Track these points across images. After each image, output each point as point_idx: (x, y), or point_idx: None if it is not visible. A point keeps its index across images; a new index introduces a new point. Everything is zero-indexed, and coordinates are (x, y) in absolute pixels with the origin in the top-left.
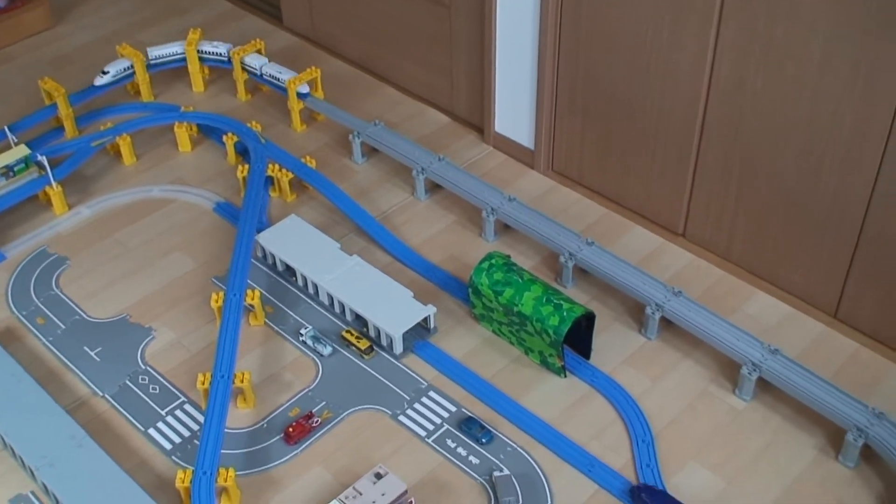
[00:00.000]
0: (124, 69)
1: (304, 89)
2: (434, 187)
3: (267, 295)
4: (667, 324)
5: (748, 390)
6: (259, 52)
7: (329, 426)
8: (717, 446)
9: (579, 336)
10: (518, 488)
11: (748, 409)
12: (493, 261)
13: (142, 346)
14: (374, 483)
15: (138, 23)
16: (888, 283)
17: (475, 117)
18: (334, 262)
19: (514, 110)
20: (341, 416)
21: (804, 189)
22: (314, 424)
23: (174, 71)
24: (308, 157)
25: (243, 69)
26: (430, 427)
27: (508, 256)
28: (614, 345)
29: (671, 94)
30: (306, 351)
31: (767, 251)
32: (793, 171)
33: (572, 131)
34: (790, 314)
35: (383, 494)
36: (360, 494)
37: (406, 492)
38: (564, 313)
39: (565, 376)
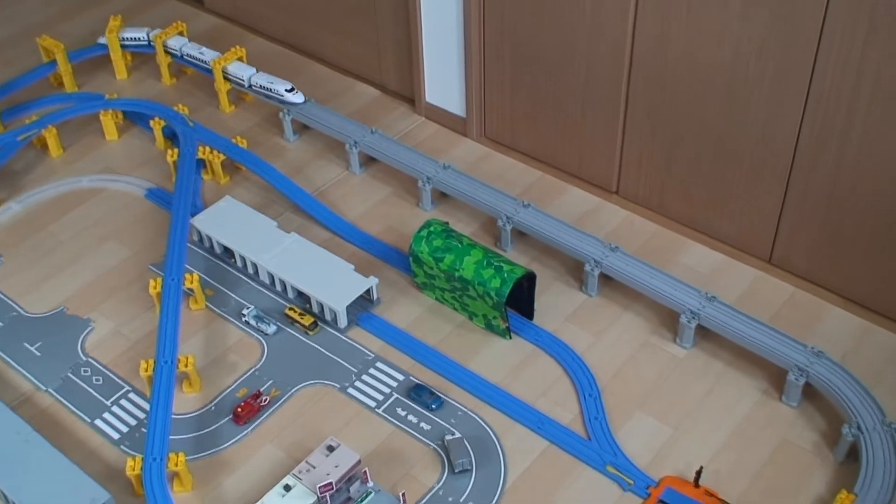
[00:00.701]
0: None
1: (299, 98)
2: (368, 160)
3: (206, 278)
4: (606, 280)
5: (688, 338)
6: (181, 34)
7: (278, 404)
8: (662, 395)
9: (521, 297)
10: (470, 450)
11: (690, 356)
12: (431, 228)
13: (81, 338)
14: (327, 456)
15: (58, 14)
16: (819, 224)
17: (405, 89)
18: (272, 240)
19: (444, 79)
20: (289, 392)
21: (732, 136)
22: (263, 403)
23: (97, 59)
24: (239, 138)
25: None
26: (380, 397)
27: (447, 223)
28: (556, 303)
29: (596, 52)
30: (250, 331)
31: (700, 202)
32: (720, 118)
33: (503, 97)
34: (725, 262)
35: (336, 466)
36: (314, 468)
37: (359, 462)
38: (505, 275)
39: (510, 338)
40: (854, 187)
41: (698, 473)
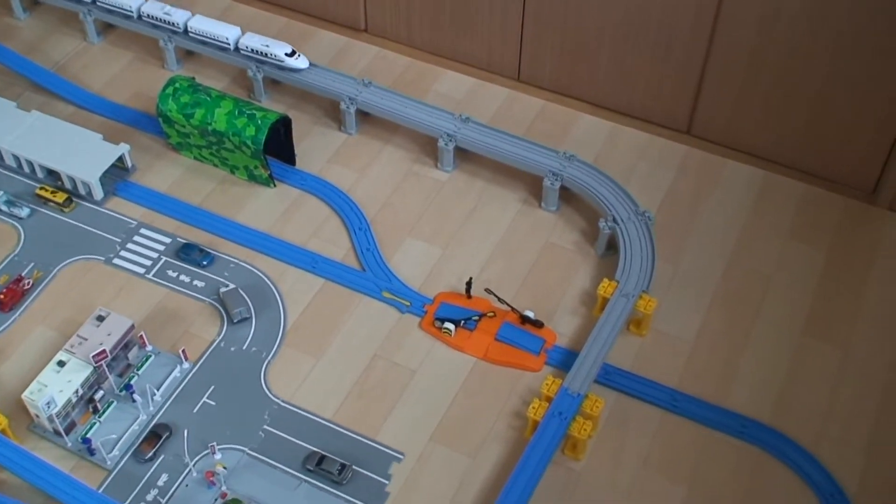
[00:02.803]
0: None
1: (303, 62)
2: (106, 28)
3: None
4: (364, 116)
5: (448, 161)
6: None
7: (42, 285)
8: (429, 219)
9: (280, 144)
10: (247, 298)
11: (452, 178)
12: (176, 85)
13: None
14: (98, 326)
15: None
16: (560, 38)
17: None
18: (13, 121)
19: None
20: (53, 272)
21: None
22: (26, 287)
23: None
24: None
25: None
26: (148, 263)
27: (192, 78)
28: (317, 146)
29: None
30: (2, 217)
31: (447, 30)
32: None
33: None
34: (478, 85)
35: (109, 334)
36: (86, 340)
37: (133, 327)
38: (259, 122)
39: (274, 185)
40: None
41: (468, 285)
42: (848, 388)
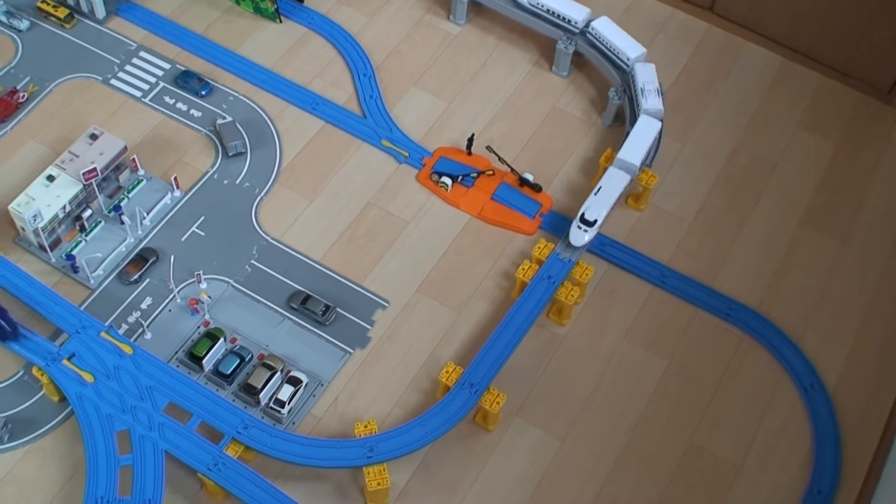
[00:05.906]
0: None
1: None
2: None
3: None
4: None
5: (461, 14)
6: None
7: (37, 100)
8: (437, 71)
9: None
10: (243, 132)
11: (463, 32)
12: None
13: None
14: (91, 144)
15: None
16: None
17: None
18: None
19: None
20: (49, 88)
21: None
22: (20, 100)
23: None
24: None
25: None
26: (146, 87)
27: None
28: None
29: None
30: (2, 29)
31: None
32: None
33: None
34: None
35: (101, 153)
36: (77, 157)
37: (125, 148)
38: None
39: (280, 21)
40: None
41: (470, 141)
42: (840, 283)
